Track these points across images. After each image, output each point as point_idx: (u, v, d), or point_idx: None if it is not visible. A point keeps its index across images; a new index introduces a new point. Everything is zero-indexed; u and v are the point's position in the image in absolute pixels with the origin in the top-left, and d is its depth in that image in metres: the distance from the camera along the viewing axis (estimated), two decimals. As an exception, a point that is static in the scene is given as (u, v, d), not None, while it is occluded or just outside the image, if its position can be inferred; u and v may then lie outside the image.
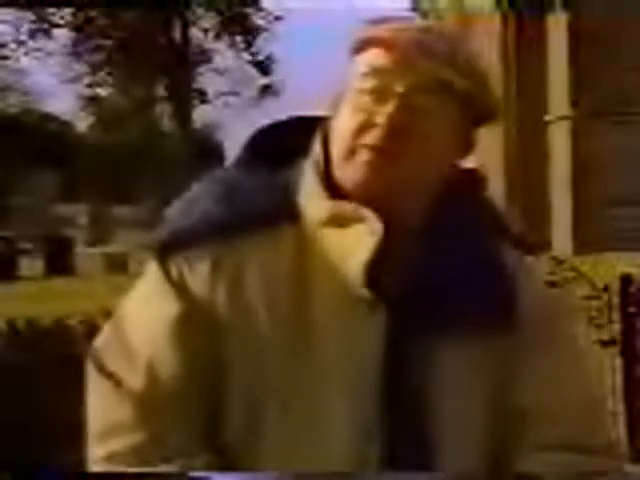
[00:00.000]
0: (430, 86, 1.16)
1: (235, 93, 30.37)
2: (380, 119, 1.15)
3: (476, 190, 1.29)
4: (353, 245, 1.17)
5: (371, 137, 1.15)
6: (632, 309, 4.65)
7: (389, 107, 1.15)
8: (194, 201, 1.24)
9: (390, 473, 1.17)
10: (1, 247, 22.06)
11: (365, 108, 1.17)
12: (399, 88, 1.16)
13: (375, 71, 1.17)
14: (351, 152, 1.17)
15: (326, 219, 1.19)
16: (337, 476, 1.16)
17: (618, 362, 4.66)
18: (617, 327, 4.66)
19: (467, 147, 1.24)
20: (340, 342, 1.17)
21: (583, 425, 1.22)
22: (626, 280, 4.68)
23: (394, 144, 1.14)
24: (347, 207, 1.17)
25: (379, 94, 1.16)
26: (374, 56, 1.18)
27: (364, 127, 1.16)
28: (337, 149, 1.19)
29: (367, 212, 1.16)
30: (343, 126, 1.18)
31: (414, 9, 27.00)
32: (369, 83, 1.17)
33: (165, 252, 1.22)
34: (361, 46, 1.21)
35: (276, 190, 1.23)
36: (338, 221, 1.18)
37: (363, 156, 1.15)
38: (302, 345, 1.17)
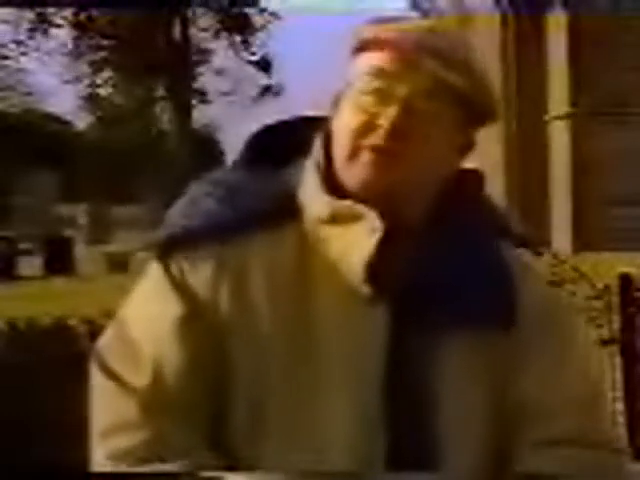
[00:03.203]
0: (433, 89, 1.17)
1: (235, 93, 30.37)
2: (383, 121, 1.16)
3: (476, 189, 1.30)
4: (354, 243, 1.17)
5: (374, 138, 1.16)
6: (632, 309, 4.65)
7: (392, 110, 1.16)
8: (196, 201, 1.24)
9: (393, 473, 1.17)
10: (1, 247, 22.04)
11: (367, 109, 1.17)
12: (402, 91, 1.16)
13: (378, 72, 1.18)
14: (354, 152, 1.17)
15: (327, 218, 1.20)
16: (340, 476, 1.16)
17: (618, 362, 4.66)
18: (617, 327, 4.67)
19: (467, 147, 1.25)
20: (342, 339, 1.18)
21: (585, 420, 1.23)
22: (626, 280, 4.68)
23: (396, 145, 1.15)
24: (348, 206, 1.18)
25: (382, 96, 1.17)
26: (377, 57, 1.19)
27: (366, 128, 1.17)
28: (339, 149, 1.20)
29: (367, 210, 1.17)
30: (345, 126, 1.19)
31: (414, 8, 27.00)
32: (372, 84, 1.18)
33: (167, 252, 1.22)
34: (363, 46, 1.21)
35: (278, 189, 1.23)
36: (339, 219, 1.19)
37: (366, 157, 1.16)
38: (305, 343, 1.18)
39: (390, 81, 1.17)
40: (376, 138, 1.16)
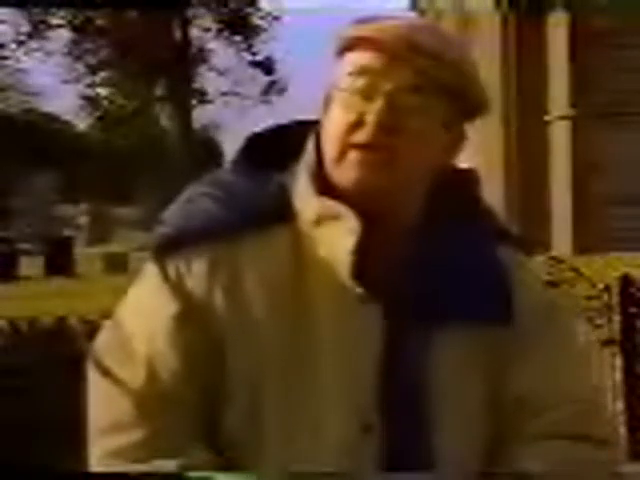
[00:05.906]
0: (417, 83, 1.17)
1: (235, 93, 30.38)
2: (369, 118, 1.16)
3: (471, 189, 1.30)
4: (337, 243, 1.18)
5: (361, 136, 1.16)
6: (632, 309, 4.66)
7: (377, 106, 1.16)
8: (192, 201, 1.25)
9: (388, 473, 1.17)
10: (1, 247, 22.04)
11: (354, 107, 1.18)
12: (386, 86, 1.16)
13: (362, 70, 1.18)
14: (342, 152, 1.18)
15: (314, 218, 1.20)
16: (336, 476, 1.17)
17: (618, 362, 4.66)
18: (617, 327, 4.67)
19: (458, 141, 1.25)
20: (337, 338, 1.18)
21: (579, 414, 1.23)
22: (626, 280, 4.69)
23: (384, 141, 1.15)
24: (329, 206, 1.19)
25: (367, 93, 1.17)
26: (361, 55, 1.19)
27: (354, 126, 1.17)
28: (329, 149, 1.20)
29: (345, 210, 1.17)
30: (333, 126, 1.19)
31: (413, 9, 26.97)
32: (357, 82, 1.18)
33: (163, 252, 1.23)
34: (347, 46, 1.21)
35: (272, 191, 1.24)
36: (323, 220, 1.20)
37: (354, 155, 1.17)
38: (300, 342, 1.18)
39: (375, 78, 1.17)
40: (363, 135, 1.16)
